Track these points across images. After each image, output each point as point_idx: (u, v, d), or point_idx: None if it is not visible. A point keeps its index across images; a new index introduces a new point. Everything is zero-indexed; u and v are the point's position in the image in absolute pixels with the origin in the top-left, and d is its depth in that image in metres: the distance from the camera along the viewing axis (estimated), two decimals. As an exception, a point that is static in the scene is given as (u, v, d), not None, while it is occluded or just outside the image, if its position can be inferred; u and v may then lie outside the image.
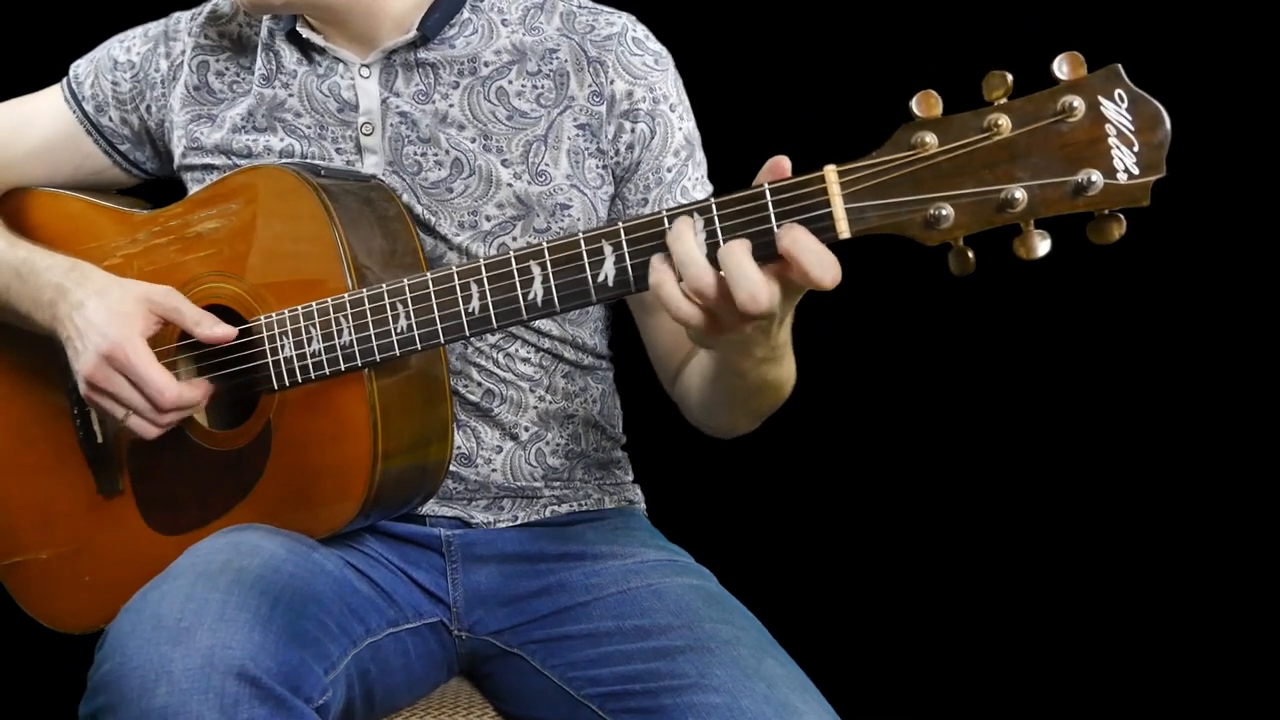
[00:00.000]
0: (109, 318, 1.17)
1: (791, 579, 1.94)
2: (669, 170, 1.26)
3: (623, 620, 1.19)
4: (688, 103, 1.29)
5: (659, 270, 0.96)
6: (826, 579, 1.98)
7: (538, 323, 1.27)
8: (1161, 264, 1.83)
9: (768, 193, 0.94)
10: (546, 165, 1.24)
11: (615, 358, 1.39)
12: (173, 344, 1.22)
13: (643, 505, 1.40)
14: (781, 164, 0.94)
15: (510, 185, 1.24)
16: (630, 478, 1.40)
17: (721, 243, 0.95)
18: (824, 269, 0.91)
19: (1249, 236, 1.83)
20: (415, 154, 1.25)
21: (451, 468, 1.26)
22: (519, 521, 1.29)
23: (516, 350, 1.27)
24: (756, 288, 0.91)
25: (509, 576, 1.27)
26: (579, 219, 1.25)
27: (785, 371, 1.11)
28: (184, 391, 1.17)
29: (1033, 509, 1.96)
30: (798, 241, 0.91)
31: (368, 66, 1.26)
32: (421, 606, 1.26)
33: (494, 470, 1.28)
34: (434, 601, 1.27)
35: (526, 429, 1.28)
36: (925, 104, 0.91)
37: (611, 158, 1.25)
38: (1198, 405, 1.90)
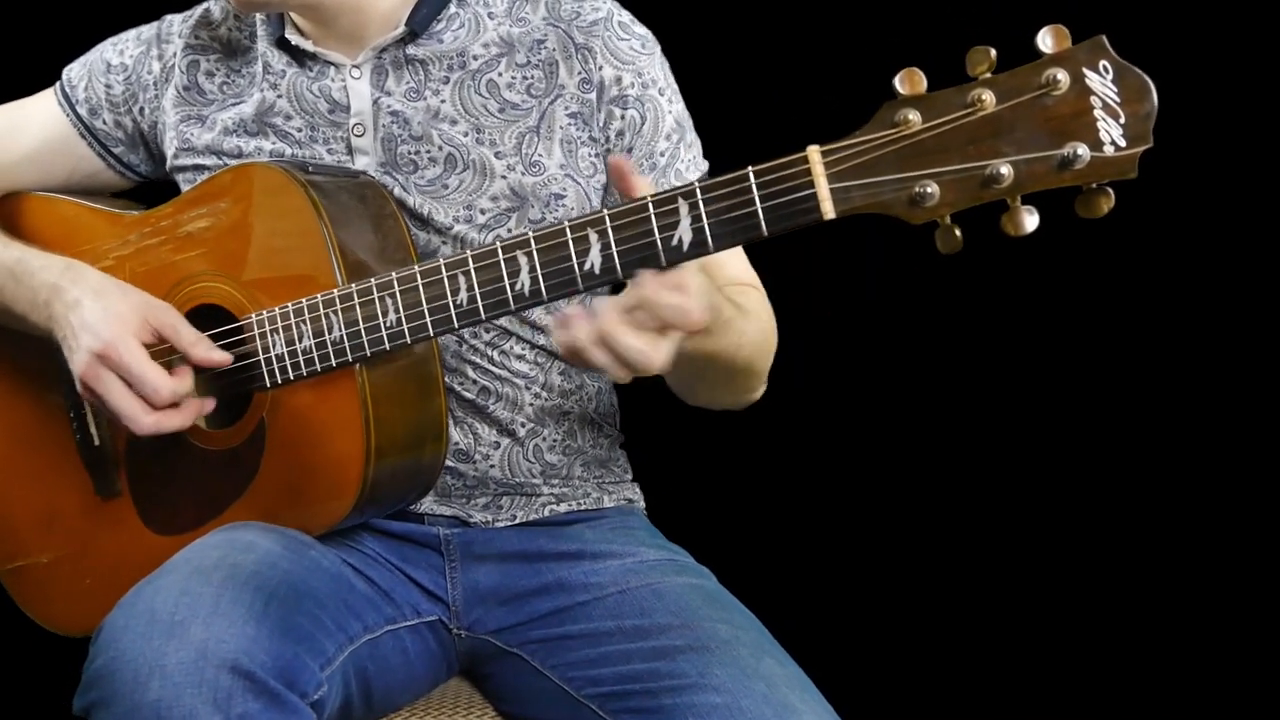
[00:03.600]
0: (104, 318, 1.17)
1: (791, 578, 1.94)
2: (662, 155, 1.26)
3: (622, 620, 1.19)
4: (675, 85, 1.29)
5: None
6: (826, 578, 1.98)
7: (533, 318, 1.27)
8: (1161, 256, 1.82)
9: (751, 176, 0.94)
10: (540, 156, 1.24)
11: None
12: (166, 345, 1.22)
13: (642, 504, 1.40)
14: (621, 165, 0.98)
15: (504, 177, 1.24)
16: (629, 476, 1.39)
17: (706, 227, 0.96)
18: (682, 318, 0.95)
19: (1250, 229, 1.82)
20: (409, 152, 1.25)
21: (450, 463, 1.25)
22: (517, 520, 1.29)
23: (511, 347, 1.27)
24: (645, 357, 0.96)
25: (508, 575, 1.27)
26: (573, 209, 1.25)
27: (729, 340, 1.12)
28: (178, 387, 1.17)
29: (1033, 507, 1.95)
30: (648, 299, 0.95)
31: (358, 67, 1.26)
32: (420, 605, 1.26)
33: (492, 466, 1.27)
34: (432, 600, 1.27)
35: (523, 425, 1.28)
36: (909, 81, 0.90)
37: (603, 145, 1.25)
38: (1198, 401, 1.89)
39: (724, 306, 1.09)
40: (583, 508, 1.32)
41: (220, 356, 1.18)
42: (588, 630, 1.20)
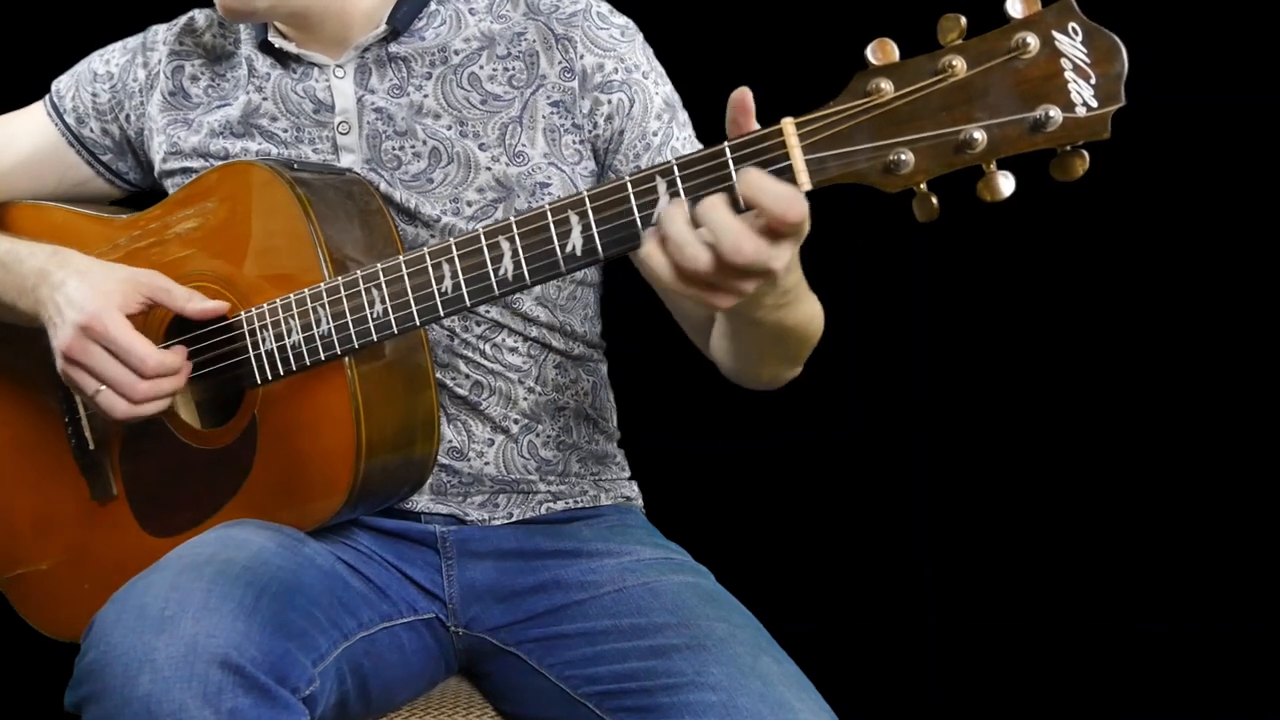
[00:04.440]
0: (89, 294, 1.17)
1: (789, 577, 1.93)
2: (654, 134, 1.26)
3: (619, 619, 1.18)
4: (661, 69, 1.30)
5: (653, 255, 0.93)
6: (824, 577, 1.97)
7: (525, 309, 1.27)
8: (1135, 220, 1.82)
9: (727, 150, 0.94)
10: (524, 146, 1.25)
11: (609, 351, 1.39)
12: (157, 339, 1.23)
13: (639, 502, 1.39)
14: (745, 100, 0.93)
15: (489, 169, 1.25)
16: (627, 474, 1.39)
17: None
18: (786, 206, 0.88)
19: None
20: (393, 148, 1.26)
21: (444, 461, 1.25)
22: (514, 519, 1.29)
23: (504, 340, 1.27)
24: (739, 238, 0.89)
25: (505, 572, 1.27)
26: (559, 197, 1.25)
27: (804, 312, 1.10)
28: (165, 358, 1.16)
29: (1033, 507, 1.94)
30: (754, 184, 0.89)
31: (342, 67, 1.27)
32: (417, 602, 1.26)
33: (486, 463, 1.27)
34: (429, 598, 1.27)
35: (517, 421, 1.28)
36: (880, 51, 0.91)
37: (589, 132, 1.26)
38: (1200, 404, 1.88)
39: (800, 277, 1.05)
40: (580, 505, 1.31)
41: (215, 305, 1.18)
42: (584, 629, 1.20)
